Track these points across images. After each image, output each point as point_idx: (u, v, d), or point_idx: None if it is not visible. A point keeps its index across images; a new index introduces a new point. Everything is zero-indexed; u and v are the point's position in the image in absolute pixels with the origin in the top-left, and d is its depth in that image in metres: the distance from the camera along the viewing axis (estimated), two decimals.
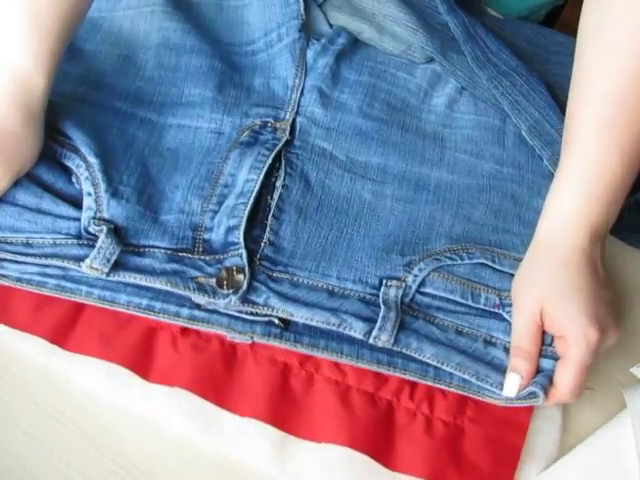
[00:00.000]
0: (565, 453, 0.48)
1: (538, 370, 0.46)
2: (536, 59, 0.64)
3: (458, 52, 0.61)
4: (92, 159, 0.51)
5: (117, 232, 0.49)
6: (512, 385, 0.46)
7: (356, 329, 0.47)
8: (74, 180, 0.52)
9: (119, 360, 0.47)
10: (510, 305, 0.49)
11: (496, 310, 0.50)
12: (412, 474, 0.46)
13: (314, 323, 0.47)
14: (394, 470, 0.46)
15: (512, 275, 0.51)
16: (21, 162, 0.49)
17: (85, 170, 0.51)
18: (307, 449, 0.46)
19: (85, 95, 0.57)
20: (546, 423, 0.49)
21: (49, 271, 0.48)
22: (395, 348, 0.47)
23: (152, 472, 0.45)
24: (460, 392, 0.47)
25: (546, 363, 0.46)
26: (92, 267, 0.46)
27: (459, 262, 0.51)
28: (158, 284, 0.47)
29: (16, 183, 0.49)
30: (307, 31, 0.64)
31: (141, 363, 0.47)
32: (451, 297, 0.50)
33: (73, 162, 0.52)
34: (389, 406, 0.48)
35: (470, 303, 0.50)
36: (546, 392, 0.45)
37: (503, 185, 0.57)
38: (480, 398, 0.47)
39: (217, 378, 0.47)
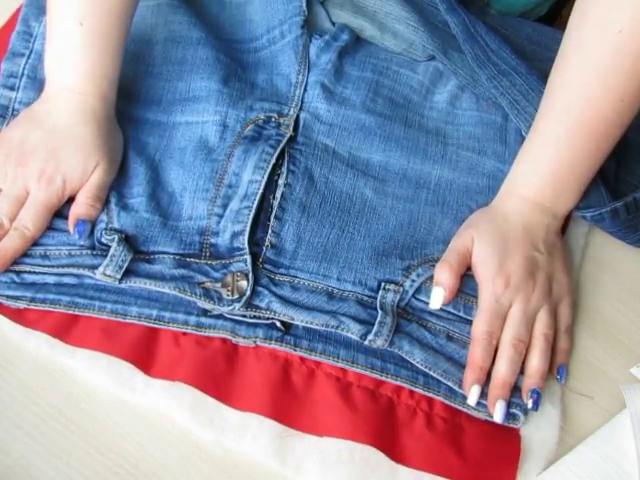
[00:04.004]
0: (565, 453, 0.48)
1: (516, 388, 0.48)
2: (537, 57, 0.63)
3: (459, 51, 0.61)
4: None
5: (128, 240, 0.51)
6: (437, 297, 0.50)
7: (353, 331, 0.48)
8: None
9: (121, 354, 0.47)
10: None
11: None
12: (415, 467, 0.46)
13: (314, 326, 0.48)
14: (397, 462, 0.46)
15: None
16: (118, 160, 0.55)
17: None
18: (308, 443, 0.46)
19: None
20: (543, 420, 0.49)
21: (64, 280, 0.49)
22: (388, 349, 0.48)
23: (152, 472, 0.45)
24: (446, 402, 0.48)
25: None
26: (105, 274, 0.48)
27: None
28: (167, 289, 0.48)
29: None
30: (309, 28, 0.64)
31: (143, 357, 0.48)
32: (443, 307, 0.51)
33: None
34: (389, 402, 0.48)
35: (462, 315, 0.51)
36: (526, 413, 0.48)
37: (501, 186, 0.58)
38: (464, 410, 0.48)
39: (219, 373, 0.48)
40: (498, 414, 0.47)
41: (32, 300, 0.49)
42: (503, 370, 0.48)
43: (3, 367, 0.48)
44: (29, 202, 0.51)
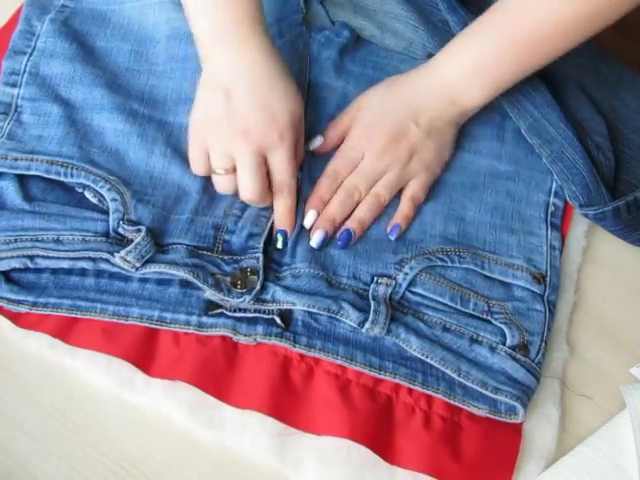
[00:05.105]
0: (565, 453, 0.48)
1: (513, 380, 0.48)
2: None
3: None
4: (113, 177, 0.53)
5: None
6: (314, 142, 0.57)
7: (352, 317, 0.48)
8: (89, 196, 0.52)
9: (121, 354, 0.47)
10: (498, 312, 0.51)
11: (484, 316, 0.51)
12: (410, 468, 0.46)
13: (316, 310, 0.48)
14: (393, 463, 0.46)
15: (501, 282, 0.53)
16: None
17: (106, 183, 0.52)
18: (307, 441, 0.47)
19: (102, 98, 0.57)
20: (542, 421, 0.49)
21: (79, 264, 0.49)
22: (386, 337, 0.48)
23: (152, 472, 0.46)
24: (445, 399, 0.48)
25: (524, 376, 0.48)
26: (126, 259, 0.48)
27: (449, 264, 0.52)
28: (182, 273, 0.48)
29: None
30: (309, 28, 0.64)
31: (143, 357, 0.48)
32: (440, 299, 0.51)
33: (87, 179, 0.52)
34: (388, 400, 0.48)
35: (459, 307, 0.51)
36: (525, 406, 0.47)
37: (498, 183, 0.58)
38: (465, 407, 0.48)
39: (218, 371, 0.48)
40: (314, 240, 0.52)
41: (34, 305, 0.48)
42: (331, 206, 0.53)
43: (4, 367, 0.48)
44: (278, 160, 0.52)
